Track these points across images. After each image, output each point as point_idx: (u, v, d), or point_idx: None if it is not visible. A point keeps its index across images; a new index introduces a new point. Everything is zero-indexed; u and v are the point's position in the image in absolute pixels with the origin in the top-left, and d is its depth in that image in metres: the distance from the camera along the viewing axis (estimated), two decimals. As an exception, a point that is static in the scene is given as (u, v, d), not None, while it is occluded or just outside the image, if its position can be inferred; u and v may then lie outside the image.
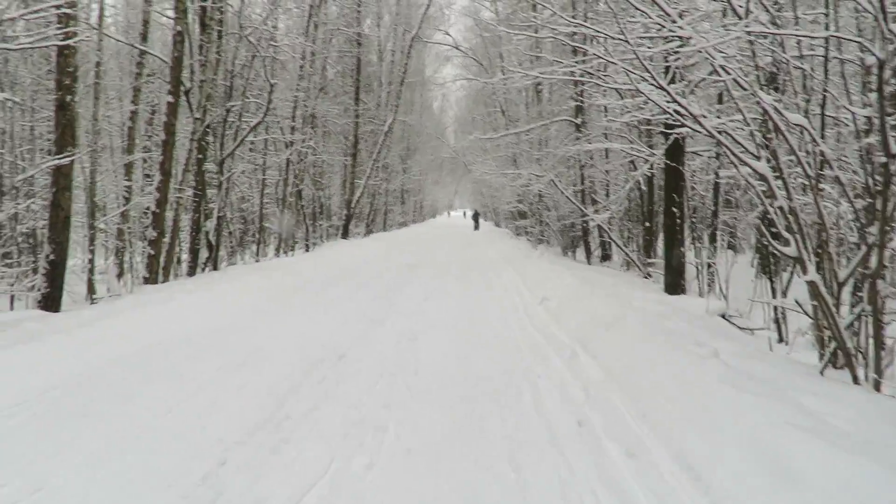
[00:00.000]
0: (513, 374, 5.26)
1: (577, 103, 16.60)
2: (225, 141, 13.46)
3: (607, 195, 17.90)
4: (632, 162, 14.61)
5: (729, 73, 4.75)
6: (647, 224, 13.91)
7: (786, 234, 4.74)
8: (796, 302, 5.69)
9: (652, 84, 4.84)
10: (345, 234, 27.00)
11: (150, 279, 10.16)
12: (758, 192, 4.91)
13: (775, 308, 7.64)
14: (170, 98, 10.23)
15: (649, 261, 13.70)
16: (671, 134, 8.80)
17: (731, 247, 17.21)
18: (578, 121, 17.20)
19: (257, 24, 13.07)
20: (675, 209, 10.19)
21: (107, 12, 12.70)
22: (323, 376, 5.17)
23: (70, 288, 12.52)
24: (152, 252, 10.15)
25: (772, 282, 8.05)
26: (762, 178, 4.61)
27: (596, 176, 17.32)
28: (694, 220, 12.96)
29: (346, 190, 27.92)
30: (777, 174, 4.87)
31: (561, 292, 9.18)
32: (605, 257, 18.50)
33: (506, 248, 22.84)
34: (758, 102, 4.84)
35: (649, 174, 13.89)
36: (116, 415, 4.13)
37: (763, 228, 4.97)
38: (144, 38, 12.09)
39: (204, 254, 12.76)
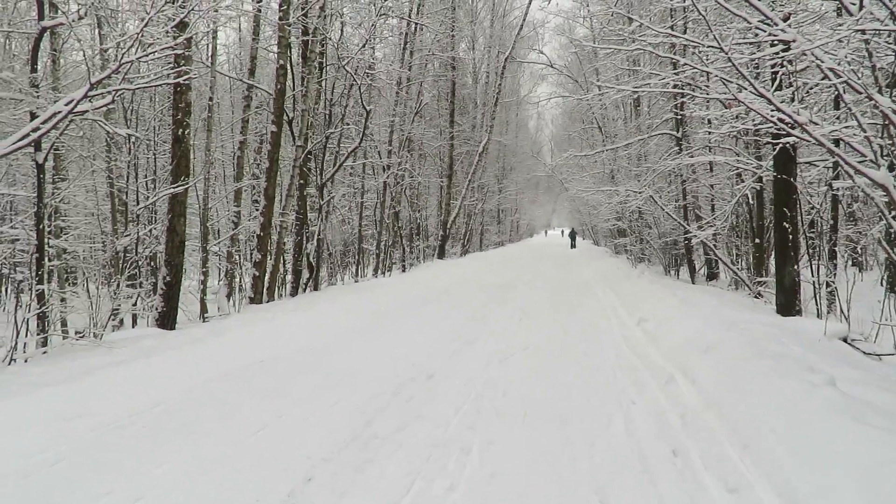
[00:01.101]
0: (605, 399, 5.05)
1: (677, 116, 15.98)
2: (325, 167, 14.06)
3: (712, 210, 17.04)
4: (738, 175, 13.85)
5: (839, 77, 4.39)
6: (757, 240, 13.09)
7: (911, 250, 4.27)
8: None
9: (752, 92, 4.56)
10: (441, 255, 27.34)
11: (256, 299, 10.72)
12: (879, 205, 4.48)
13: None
14: (273, 128, 10.84)
15: (760, 280, 12.88)
16: (779, 144, 8.24)
17: (855, 264, 15.82)
18: (679, 134, 16.55)
19: (354, 54, 13.62)
20: (786, 224, 9.51)
21: (219, 51, 13.74)
22: (411, 395, 5.20)
23: (185, 307, 13.47)
24: (257, 273, 10.71)
25: (901, 302, 7.29)
26: (882, 188, 4.20)
27: (699, 191, 16.54)
28: (811, 235, 12.03)
29: (442, 211, 28.34)
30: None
31: (660, 313, 8.77)
32: (712, 276, 17.57)
33: (604, 266, 22.23)
34: (875, 106, 4.44)
35: (757, 187, 13.08)
36: (217, 430, 4.34)
37: (882, 243, 4.52)
38: (252, 73, 12.91)
39: (305, 275, 13.32)
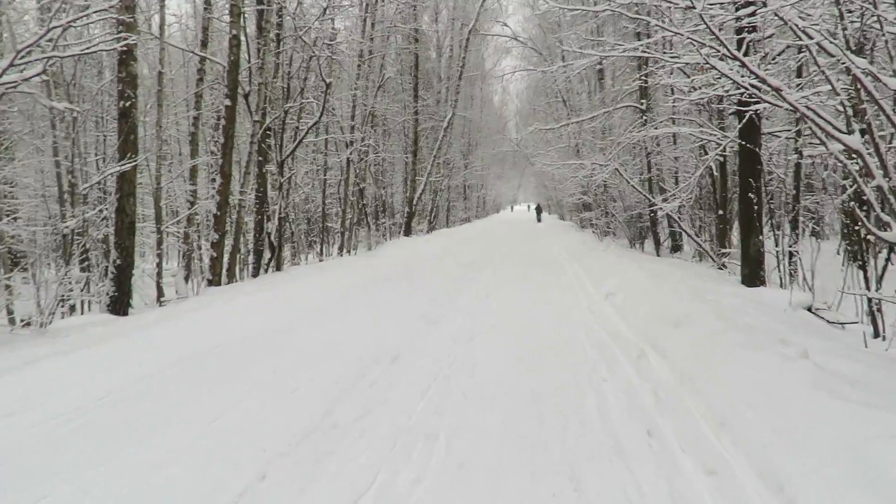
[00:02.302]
0: (576, 377, 4.90)
1: (642, 84, 15.87)
2: (284, 143, 13.58)
3: (676, 183, 17.10)
4: (702, 147, 13.83)
5: (812, 38, 4.22)
6: (721, 212, 13.14)
7: (885, 217, 4.18)
8: (897, 293, 5.07)
9: (727, 55, 4.37)
10: (407, 232, 27.03)
11: (214, 281, 10.32)
12: (851, 172, 4.36)
13: (869, 300, 6.95)
14: (227, 102, 10.34)
15: (724, 251, 12.95)
16: (746, 112, 8.14)
17: (814, 234, 16.11)
18: (643, 106, 16.48)
19: (312, 23, 13.09)
20: (751, 194, 9.49)
21: (170, 22, 13.02)
22: (375, 379, 4.97)
23: (142, 291, 12.96)
24: (214, 254, 10.30)
25: (864, 271, 7.30)
26: (856, 154, 4.07)
27: (663, 163, 16.55)
28: (772, 205, 12.11)
29: (408, 187, 27.95)
30: (871, 150, 4.31)
31: (628, 287, 8.69)
32: (676, 248, 17.70)
33: (570, 241, 22.25)
34: (846, 70, 4.30)
35: (721, 159, 13.09)
36: (165, 423, 4.05)
37: (857, 212, 4.42)
38: (205, 44, 12.31)
39: (267, 255, 12.91)
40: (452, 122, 31.47)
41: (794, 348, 4.38)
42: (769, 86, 4.10)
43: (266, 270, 12.92)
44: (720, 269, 12.46)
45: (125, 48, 7.92)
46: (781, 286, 9.87)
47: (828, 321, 7.57)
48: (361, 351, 5.92)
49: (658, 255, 16.64)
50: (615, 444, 3.56)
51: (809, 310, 8.00)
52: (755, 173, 9.79)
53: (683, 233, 18.43)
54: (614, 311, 7.60)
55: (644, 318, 6.63)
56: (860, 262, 12.54)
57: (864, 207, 4.43)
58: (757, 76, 4.15)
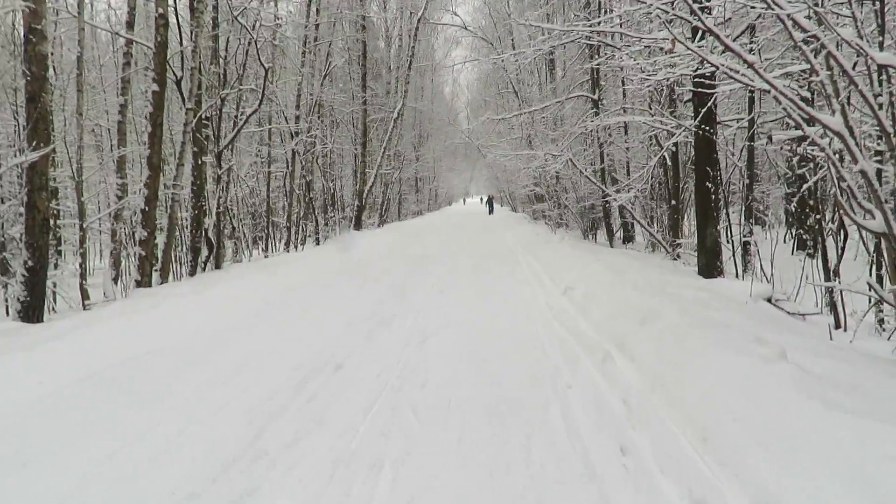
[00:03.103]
0: (538, 384, 4.45)
1: (595, 73, 15.64)
2: (222, 132, 12.74)
3: (628, 174, 17.00)
4: (653, 137, 13.68)
5: (783, 8, 3.85)
6: (673, 202, 13.00)
7: (866, 205, 3.86)
8: (871, 286, 4.80)
9: (701, 27, 3.96)
10: (357, 226, 26.27)
11: (143, 282, 9.49)
12: (829, 157, 4.02)
13: (830, 290, 6.76)
14: (155, 87, 9.49)
15: (678, 241, 12.83)
16: (710, 94, 7.85)
17: (757, 222, 16.24)
18: (595, 96, 16.26)
19: (249, 4, 12.27)
20: (709, 183, 9.28)
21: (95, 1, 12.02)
22: (314, 393, 4.41)
23: (68, 293, 11.96)
24: (143, 253, 9.47)
25: (825, 261, 7.11)
26: (838, 137, 3.72)
27: (615, 154, 16.39)
28: (726, 195, 12.01)
29: (358, 180, 27.17)
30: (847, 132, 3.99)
31: (586, 280, 8.33)
32: (628, 239, 17.63)
33: (524, 233, 21.96)
34: (821, 47, 3.96)
35: (673, 149, 12.94)
36: (56, 459, 3.40)
37: (839, 200, 4.09)
38: (131, 25, 11.35)
39: (204, 252, 12.08)
40: (402, 113, 30.78)
41: (770, 348, 4.03)
42: (746, 61, 3.71)
43: (204, 269, 12.09)
44: (674, 259, 12.32)
45: (32, 26, 7.06)
46: (737, 276, 9.73)
47: (788, 312, 7.39)
48: (302, 358, 5.34)
49: (611, 247, 16.49)
50: (586, 466, 3.11)
51: (769, 301, 7.81)
52: (712, 162, 9.59)
53: (636, 224, 18.40)
54: (574, 307, 7.20)
55: (606, 314, 6.25)
56: (811, 251, 12.54)
57: (844, 196, 4.11)
58: (733, 52, 3.75)
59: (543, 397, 4.17)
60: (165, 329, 6.59)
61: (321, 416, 3.96)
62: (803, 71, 5.28)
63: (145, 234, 9.49)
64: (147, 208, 9.49)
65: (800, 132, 5.12)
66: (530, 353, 5.32)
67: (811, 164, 7.31)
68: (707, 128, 9.07)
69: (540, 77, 25.93)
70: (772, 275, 8.18)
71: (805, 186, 6.68)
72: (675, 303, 6.24)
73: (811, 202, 12.65)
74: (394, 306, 7.78)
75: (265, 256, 17.07)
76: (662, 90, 13.43)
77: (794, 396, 3.18)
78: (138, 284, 9.53)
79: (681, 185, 13.50)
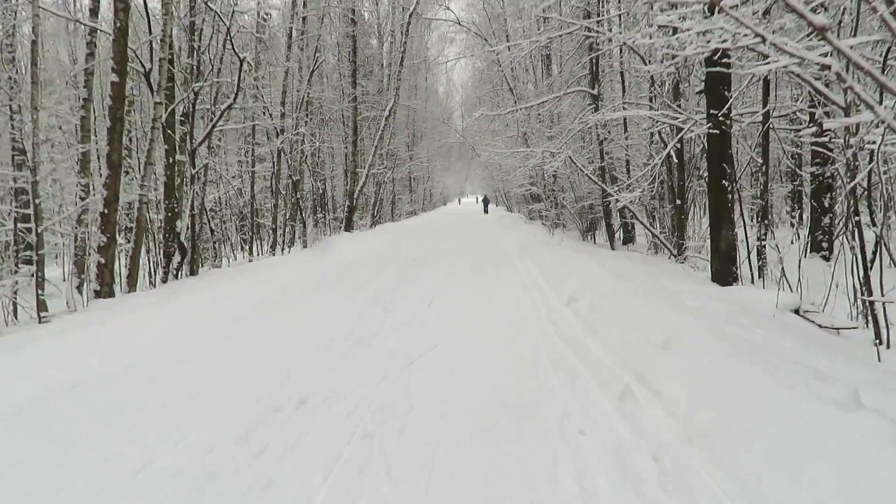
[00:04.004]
0: (544, 430, 3.59)
1: (595, 62, 14.84)
2: (199, 129, 11.86)
3: (628, 172, 16.22)
4: (657, 133, 12.88)
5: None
6: (678, 202, 12.18)
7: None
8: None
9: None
10: (348, 227, 25.39)
11: (103, 292, 8.60)
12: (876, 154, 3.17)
13: (870, 303, 5.94)
14: (114, 77, 8.60)
15: (686, 244, 12.04)
16: (726, 81, 6.99)
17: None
18: (595, 91, 15.43)
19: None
20: (725, 181, 8.45)
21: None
22: (265, 443, 3.54)
23: (27, 303, 11.04)
24: (102, 260, 8.57)
25: (864, 269, 6.26)
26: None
27: (615, 152, 15.59)
28: (741, 194, 11.20)
29: (348, 180, 26.26)
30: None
31: (591, 290, 7.47)
32: (628, 240, 16.85)
33: (520, 234, 21.11)
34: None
35: (678, 145, 12.15)
36: None
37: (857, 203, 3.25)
38: (94, 13, 10.46)
39: (177, 258, 11.18)
40: (395, 111, 29.91)
41: (838, 387, 3.18)
42: (812, 24, 2.86)
43: (177, 276, 11.20)
44: (680, 262, 11.53)
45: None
46: (752, 283, 8.94)
47: (820, 326, 6.58)
48: (260, 391, 4.47)
49: (612, 249, 15.67)
50: (616, 568, 2.25)
51: (797, 312, 7.00)
52: (727, 158, 8.77)
53: (637, 224, 17.57)
54: (579, 323, 6.34)
55: (618, 333, 5.39)
56: (825, 254, 11.65)
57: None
58: (797, 13, 2.90)
59: (551, 449, 3.31)
60: (104, 353, 5.70)
61: (268, 478, 3.09)
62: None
63: (104, 239, 8.60)
64: (106, 211, 8.60)
65: (850, 119, 4.29)
66: (532, 384, 4.46)
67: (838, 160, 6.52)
68: (724, 120, 8.25)
69: (535, 74, 25.14)
70: (798, 283, 7.36)
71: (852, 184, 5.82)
72: (698, 318, 5.40)
73: (829, 201, 11.89)
74: (376, 321, 6.91)
75: (249, 260, 16.17)
76: (664, 83, 12.64)
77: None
78: (97, 294, 8.65)
79: (685, 184, 12.69)
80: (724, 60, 7.33)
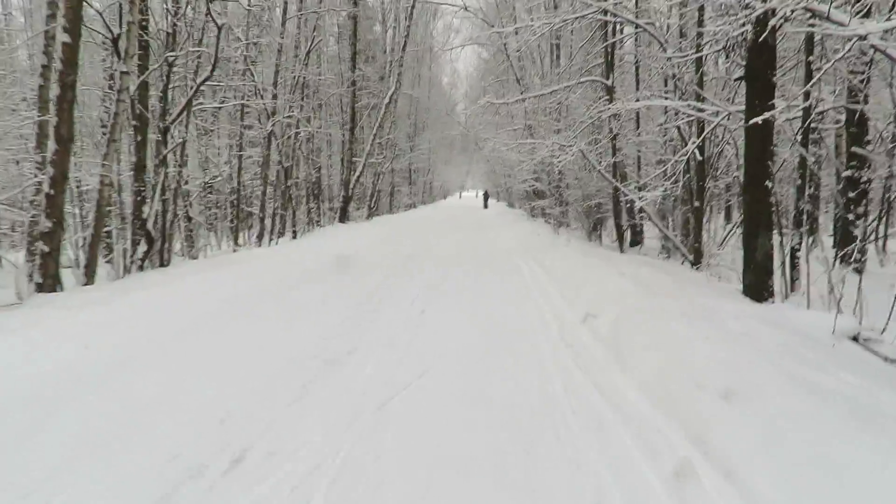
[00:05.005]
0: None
1: (611, 51, 13.67)
2: (171, 103, 10.68)
3: (639, 169, 15.11)
4: (674, 129, 11.75)
5: None
6: (697, 203, 11.04)
7: None
8: None
9: None
10: (343, 218, 24.22)
11: (46, 285, 7.46)
12: None
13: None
14: (65, 38, 7.42)
15: (704, 249, 10.96)
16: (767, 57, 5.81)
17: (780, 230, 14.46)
18: (610, 81, 14.23)
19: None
20: (769, 183, 7.29)
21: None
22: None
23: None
24: (46, 249, 7.42)
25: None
26: None
27: (626, 149, 14.48)
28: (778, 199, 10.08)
29: (345, 169, 25.06)
30: None
31: (612, 303, 6.33)
32: (635, 242, 15.80)
33: (523, 232, 19.95)
34: None
35: (699, 142, 11.04)
36: None
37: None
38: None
39: (143, 247, 10.02)
40: (396, 99, 28.71)
41: None
42: None
43: (142, 267, 10.04)
44: (699, 270, 10.44)
45: None
46: (786, 298, 7.84)
47: (885, 358, 5.48)
48: (185, 437, 3.34)
49: (622, 251, 14.53)
50: None
51: (856, 339, 5.90)
52: (769, 156, 7.62)
53: (644, 226, 16.46)
54: (602, 348, 5.19)
55: (656, 367, 4.25)
56: (858, 266, 10.45)
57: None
58: None
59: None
60: (24, 362, 4.58)
61: None
62: None
63: (49, 224, 7.44)
64: (53, 192, 7.44)
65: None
66: (547, 440, 3.31)
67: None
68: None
69: (543, 65, 23.92)
70: (857, 305, 6.22)
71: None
72: (756, 351, 4.28)
73: (864, 208, 10.78)
74: (356, 334, 5.77)
75: (234, 251, 15.01)
76: (682, 77, 11.51)
77: None
78: (39, 288, 7.50)
79: (705, 184, 11.55)
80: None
